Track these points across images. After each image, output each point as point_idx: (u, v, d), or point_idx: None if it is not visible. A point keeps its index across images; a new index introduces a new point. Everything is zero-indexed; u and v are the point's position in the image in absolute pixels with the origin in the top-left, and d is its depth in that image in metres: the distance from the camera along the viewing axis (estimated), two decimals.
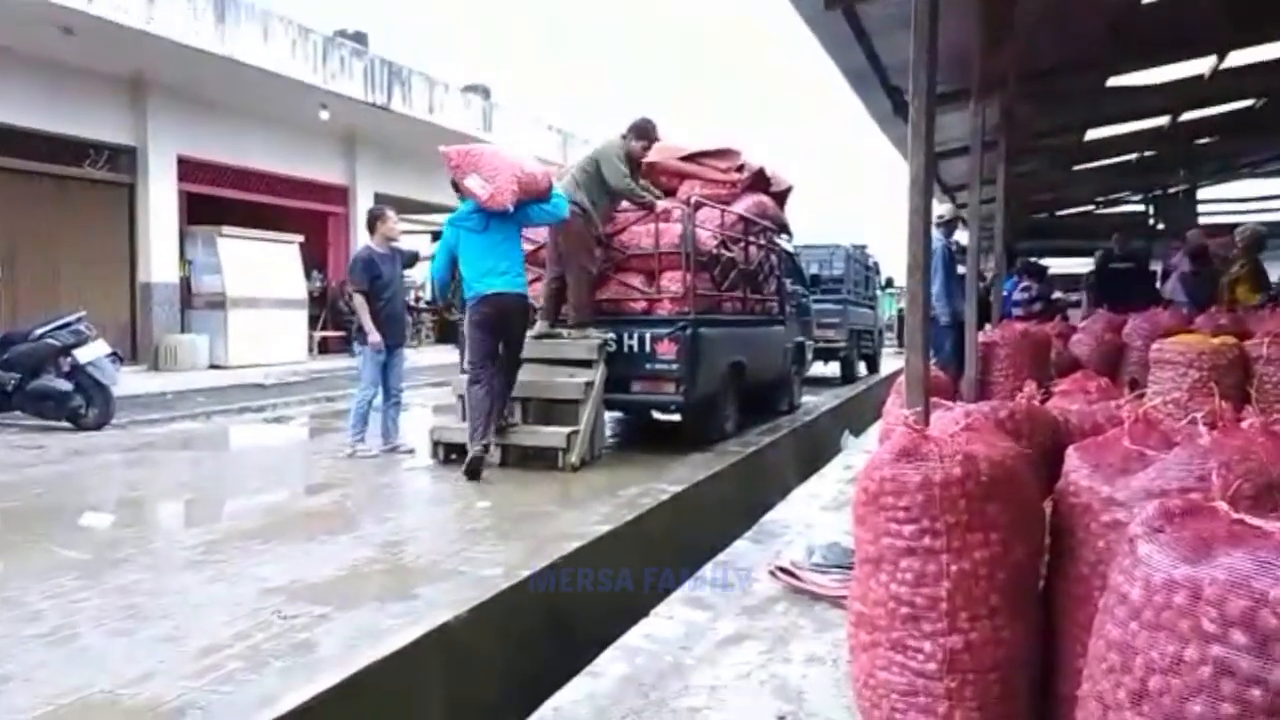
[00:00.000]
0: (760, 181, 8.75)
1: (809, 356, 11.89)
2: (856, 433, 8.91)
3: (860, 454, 6.71)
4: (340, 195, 17.80)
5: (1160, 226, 14.86)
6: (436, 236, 23.91)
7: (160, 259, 14.09)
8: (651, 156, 8.19)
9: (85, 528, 5.08)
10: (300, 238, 16.50)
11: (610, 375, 7.09)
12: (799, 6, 5.95)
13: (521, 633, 3.93)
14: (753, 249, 8.66)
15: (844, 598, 2.29)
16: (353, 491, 6.07)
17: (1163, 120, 10.39)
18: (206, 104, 14.41)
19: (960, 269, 7.76)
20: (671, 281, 7.32)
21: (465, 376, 6.98)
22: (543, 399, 7.10)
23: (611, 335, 7.15)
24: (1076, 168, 13.10)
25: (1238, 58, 7.72)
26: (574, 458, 6.65)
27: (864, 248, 17.02)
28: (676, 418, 7.96)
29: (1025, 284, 11.48)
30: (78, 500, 5.78)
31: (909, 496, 1.95)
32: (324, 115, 15.38)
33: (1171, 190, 15.17)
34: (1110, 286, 10.20)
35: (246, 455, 8.64)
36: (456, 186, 6.61)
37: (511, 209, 6.35)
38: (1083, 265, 16.00)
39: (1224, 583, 1.24)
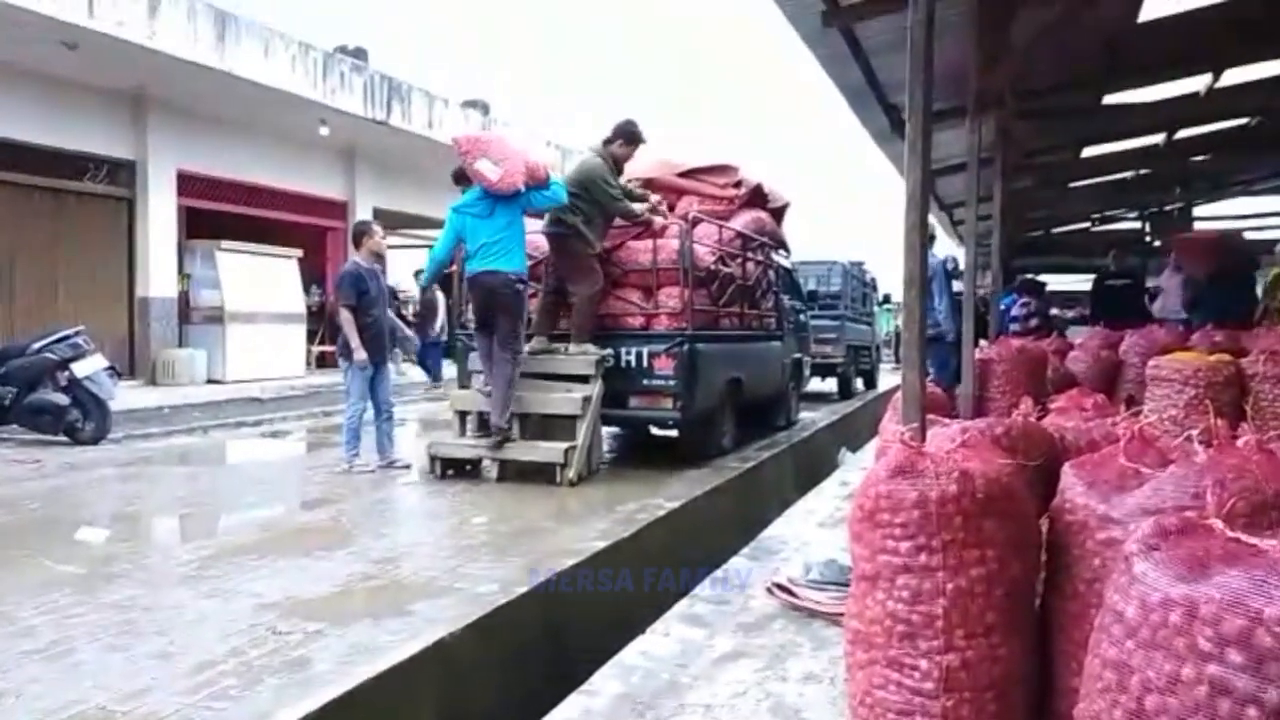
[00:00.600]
0: (758, 198, 8.77)
1: (806, 372, 11.90)
2: (854, 449, 8.90)
3: (857, 470, 6.71)
4: (339, 210, 17.82)
5: (1156, 244, 14.91)
6: None
7: (159, 273, 14.08)
8: (649, 173, 8.23)
9: (81, 542, 5.06)
10: (299, 252, 16.51)
11: (608, 390, 7.10)
12: (797, 25, 5.99)
13: (518, 649, 3.92)
14: (750, 265, 8.67)
15: (841, 615, 2.28)
16: (348, 507, 6.05)
17: (1158, 138, 10.45)
18: (206, 119, 14.45)
19: (957, 285, 7.78)
20: (669, 297, 7.34)
21: (471, 384, 7.34)
22: (540, 414, 7.10)
23: (609, 351, 7.16)
24: (1073, 185, 13.15)
25: (1233, 76, 7.77)
26: (572, 473, 6.65)
27: (861, 264, 17.05)
28: (674, 433, 7.96)
29: (1024, 300, 11.49)
30: (73, 515, 5.77)
31: (905, 513, 1.95)
32: (323, 130, 15.43)
33: (1167, 208, 15.23)
34: (1106, 303, 10.22)
35: (243, 470, 8.62)
36: (458, 179, 6.85)
37: (522, 189, 6.60)
38: (1080, 282, 16.04)
39: (1219, 601, 1.24)
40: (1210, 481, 1.73)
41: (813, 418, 11.55)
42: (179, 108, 13.95)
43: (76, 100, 12.71)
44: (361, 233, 7.56)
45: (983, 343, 6.42)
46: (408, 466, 7.35)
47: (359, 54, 15.95)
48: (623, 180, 7.50)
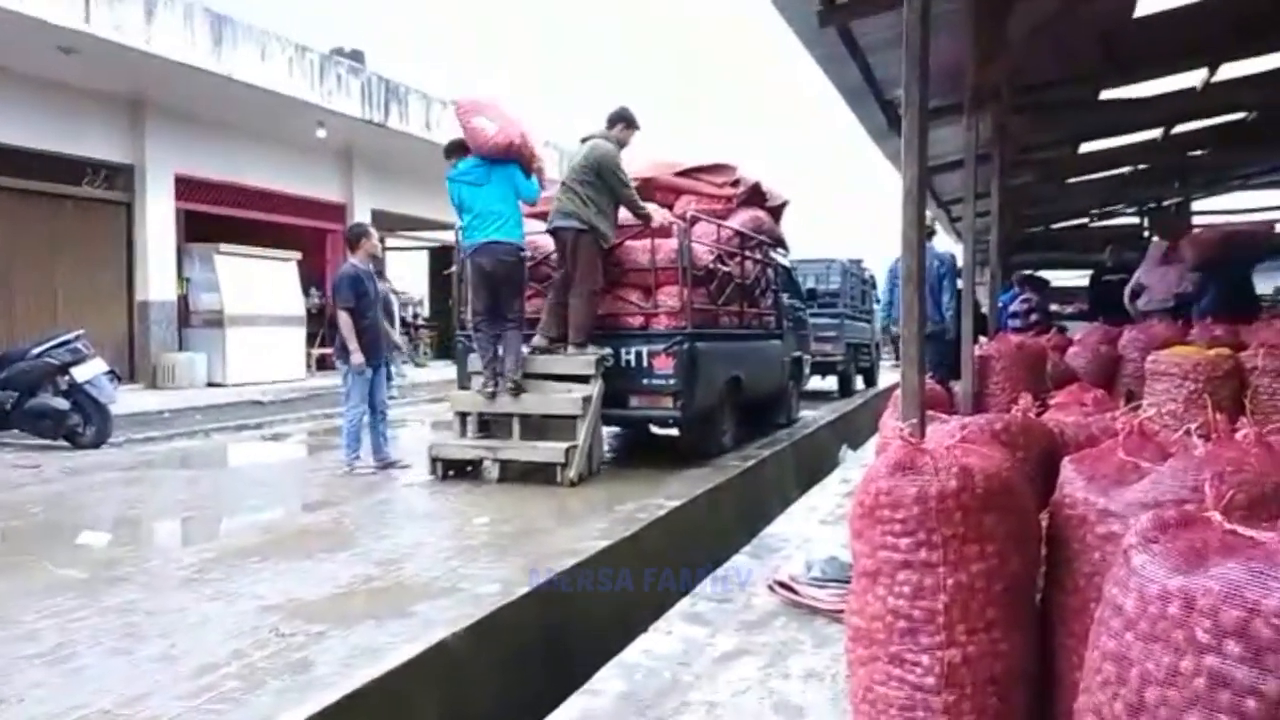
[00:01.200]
0: (756, 196, 8.77)
1: (806, 370, 11.90)
2: (854, 446, 8.90)
3: (858, 468, 6.72)
4: (338, 212, 17.82)
5: (1155, 239, 14.90)
6: (433, 253, 24.06)
7: (158, 277, 14.10)
8: (647, 172, 8.22)
9: (82, 546, 5.06)
10: (298, 255, 16.51)
11: (608, 390, 7.10)
12: (794, 24, 6.00)
13: (519, 650, 3.92)
14: (749, 263, 8.68)
15: (842, 612, 2.29)
16: (350, 509, 6.06)
17: (1156, 133, 10.44)
18: (204, 122, 14.45)
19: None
20: (668, 296, 7.33)
21: (471, 385, 7.36)
22: (541, 414, 7.11)
23: (609, 350, 7.16)
24: (1071, 181, 13.14)
25: (1229, 70, 7.77)
26: (572, 473, 6.66)
27: (859, 261, 17.05)
28: (674, 432, 7.96)
29: (1025, 296, 11.50)
30: (75, 519, 5.77)
31: (905, 509, 1.95)
32: (321, 133, 15.44)
33: (1165, 203, 15.23)
34: (1104, 299, 10.23)
35: (244, 473, 8.63)
36: (450, 152, 7.15)
37: (517, 140, 6.79)
38: (1079, 278, 16.04)
39: (1217, 593, 1.24)
40: (1209, 475, 1.73)
41: (813, 415, 11.55)
42: (177, 112, 13.96)
43: (74, 105, 12.71)
44: (358, 235, 7.57)
45: (982, 339, 6.42)
46: (408, 467, 7.36)
47: (356, 56, 15.95)
48: None
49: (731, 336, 8.27)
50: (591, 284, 7.09)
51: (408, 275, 24.50)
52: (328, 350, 17.43)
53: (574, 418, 6.88)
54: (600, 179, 7.00)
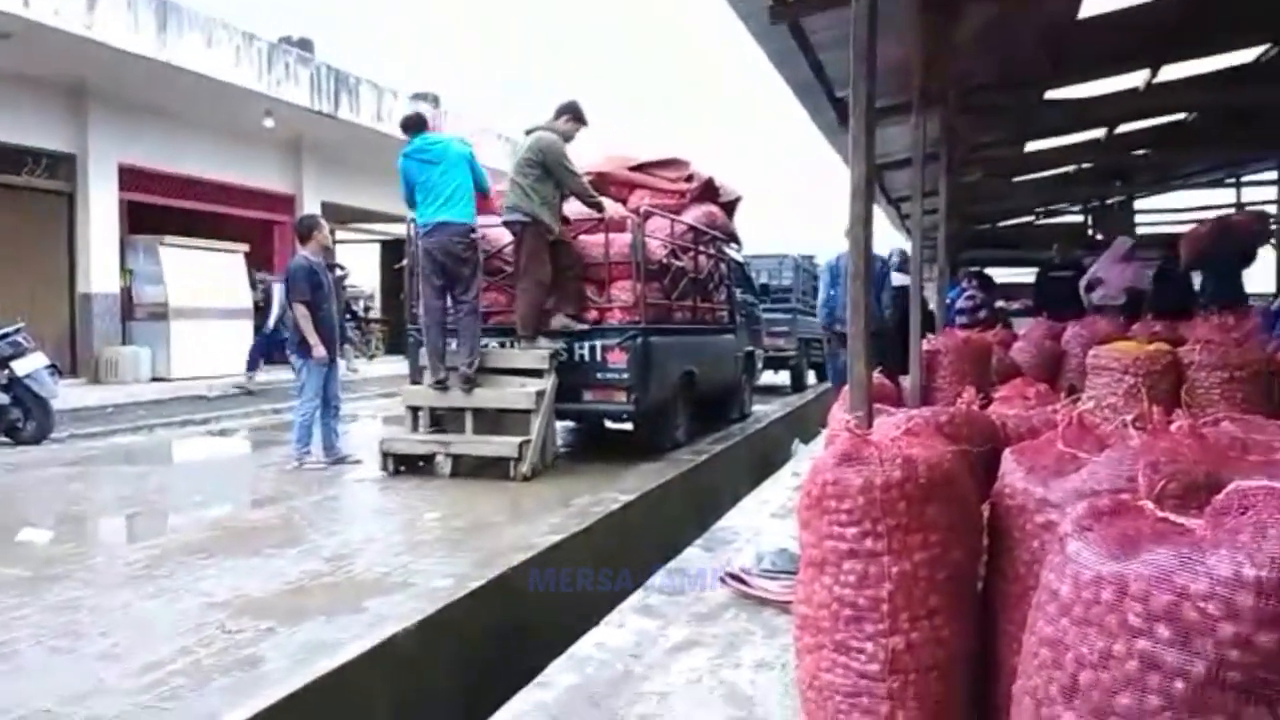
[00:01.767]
0: (709, 192, 8.81)
1: (759, 365, 11.99)
2: (806, 440, 9.00)
3: (809, 461, 6.78)
4: (286, 204, 17.55)
5: (1099, 236, 15.22)
6: (385, 246, 23.80)
7: (100, 269, 13.78)
8: (602, 166, 8.22)
9: (24, 543, 4.95)
10: (245, 247, 16.23)
11: (562, 384, 7.09)
12: (746, 21, 6.02)
13: (472, 644, 3.92)
14: (702, 258, 8.72)
15: (791, 603, 2.32)
16: (299, 504, 5.99)
17: (1099, 133, 10.68)
18: (148, 111, 14.13)
19: (903, 278, 7.88)
20: (622, 291, 7.35)
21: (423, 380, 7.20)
22: (494, 409, 7.08)
23: (562, 345, 7.15)
24: (1017, 179, 13.38)
25: (1170, 72, 7.96)
26: (525, 468, 6.64)
27: (812, 257, 17.20)
28: (628, 426, 7.98)
29: (970, 292, 11.69)
30: (16, 516, 5.63)
31: (851, 499, 1.99)
32: (269, 123, 15.16)
33: (1109, 201, 15.57)
34: (1050, 295, 10.43)
35: (190, 469, 8.49)
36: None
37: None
38: (1025, 275, 16.31)
39: (1148, 578, 1.28)
40: (1143, 464, 1.78)
41: (766, 410, 11.65)
42: (120, 100, 13.63)
43: (12, 92, 12.35)
44: (309, 227, 7.47)
45: (929, 335, 6.52)
46: (359, 462, 7.29)
47: (305, 45, 15.72)
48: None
49: (685, 331, 8.31)
50: (537, 276, 7.05)
51: (359, 269, 24.20)
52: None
53: (527, 412, 6.87)
54: (545, 170, 6.98)
